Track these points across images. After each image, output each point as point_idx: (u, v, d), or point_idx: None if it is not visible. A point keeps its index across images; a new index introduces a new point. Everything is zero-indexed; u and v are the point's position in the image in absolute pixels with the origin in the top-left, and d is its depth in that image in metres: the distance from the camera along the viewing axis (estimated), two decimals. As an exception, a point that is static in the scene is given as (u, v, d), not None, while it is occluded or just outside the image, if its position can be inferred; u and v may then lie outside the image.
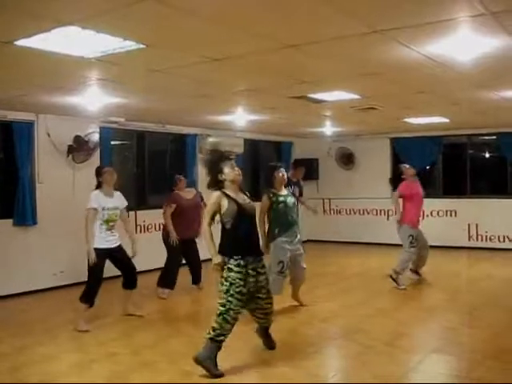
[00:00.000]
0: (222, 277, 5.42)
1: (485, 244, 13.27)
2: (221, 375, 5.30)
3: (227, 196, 5.56)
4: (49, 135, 9.39)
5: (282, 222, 7.39)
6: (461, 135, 13.90)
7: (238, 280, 5.36)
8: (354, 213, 15.16)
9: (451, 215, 13.76)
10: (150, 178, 11.76)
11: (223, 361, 5.41)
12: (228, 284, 5.37)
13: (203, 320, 6.91)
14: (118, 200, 7.40)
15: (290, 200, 7.52)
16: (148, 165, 11.63)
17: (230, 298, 5.34)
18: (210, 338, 5.35)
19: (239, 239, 5.50)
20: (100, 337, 6.75)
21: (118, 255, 7.32)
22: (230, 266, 5.39)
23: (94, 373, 5.53)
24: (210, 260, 5.53)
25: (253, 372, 5.49)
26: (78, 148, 9.69)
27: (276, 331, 6.31)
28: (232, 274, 5.38)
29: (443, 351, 6.07)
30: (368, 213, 14.92)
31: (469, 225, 13.48)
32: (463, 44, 5.22)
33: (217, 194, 5.58)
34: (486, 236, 13.34)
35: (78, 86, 6.97)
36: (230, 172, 5.66)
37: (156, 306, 8.20)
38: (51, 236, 9.41)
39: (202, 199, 8.91)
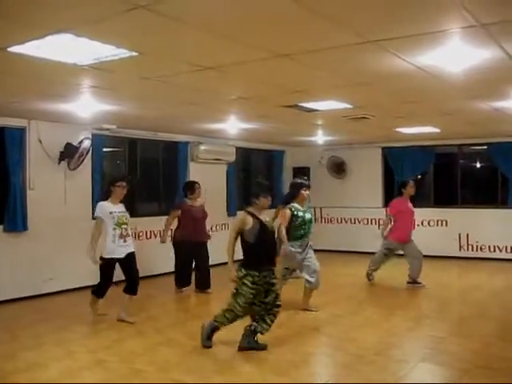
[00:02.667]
0: (237, 285, 6.22)
1: (475, 254, 13.31)
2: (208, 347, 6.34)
3: (253, 216, 6.33)
4: (40, 142, 9.36)
5: (297, 235, 7.96)
6: (452, 145, 13.97)
7: (249, 294, 6.14)
8: (346, 222, 15.18)
9: (442, 225, 13.80)
10: (142, 186, 11.75)
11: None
12: (239, 294, 6.18)
13: (194, 328, 6.91)
14: (123, 207, 7.77)
15: (308, 216, 8.11)
16: (140, 172, 11.62)
17: (236, 306, 6.18)
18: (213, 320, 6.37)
19: (259, 254, 6.23)
20: (89, 344, 6.74)
21: (127, 263, 7.60)
22: (245, 281, 6.15)
23: (83, 380, 5.50)
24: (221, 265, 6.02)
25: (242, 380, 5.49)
26: (70, 155, 9.66)
27: (266, 340, 6.32)
28: (245, 288, 6.14)
29: (433, 360, 6.07)
30: (359, 222, 14.94)
31: (459, 234, 13.51)
32: (454, 55, 5.28)
33: (243, 214, 6.43)
34: (477, 246, 13.38)
35: (71, 92, 6.97)
36: (265, 201, 6.53)
37: (146, 314, 8.16)
38: (41, 242, 9.36)
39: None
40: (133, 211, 11.14)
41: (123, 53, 4.96)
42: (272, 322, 6.38)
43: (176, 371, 5.66)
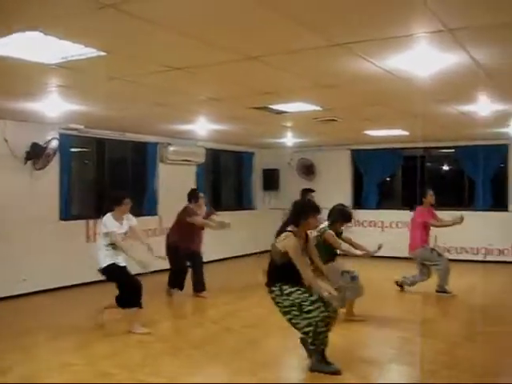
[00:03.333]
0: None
1: (443, 255, 13.43)
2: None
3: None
4: (6, 141, 9.22)
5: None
6: (420, 148, 14.09)
7: (300, 295, 5.57)
8: (315, 223, 15.19)
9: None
10: (110, 186, 11.65)
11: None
12: (297, 307, 5.57)
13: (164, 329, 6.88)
14: (126, 224, 7.38)
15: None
16: (108, 172, 11.52)
17: (308, 315, 5.56)
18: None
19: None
20: (55, 347, 6.67)
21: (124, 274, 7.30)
22: (285, 291, 5.60)
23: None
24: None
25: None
26: (36, 155, 9.54)
27: (236, 340, 6.31)
28: (292, 294, 5.57)
29: (400, 361, 6.14)
30: (328, 223, 14.95)
31: (427, 236, 13.61)
32: (422, 59, 5.33)
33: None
34: (444, 247, 13.49)
35: (38, 92, 6.90)
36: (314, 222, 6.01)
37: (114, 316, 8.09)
38: (9, 244, 9.21)
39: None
40: (100, 212, 11.09)
41: (91, 52, 4.91)
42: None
43: (141, 373, 5.62)
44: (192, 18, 4.10)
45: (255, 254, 14.09)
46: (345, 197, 14.37)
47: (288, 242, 5.58)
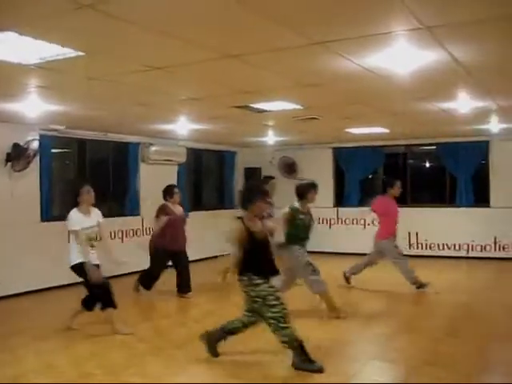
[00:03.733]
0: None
1: (425, 252, 13.55)
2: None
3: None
4: (-14, 143, 9.17)
5: (298, 237, 7.87)
6: (401, 145, 14.19)
7: (267, 288, 5.75)
8: (297, 221, 15.22)
9: (392, 224, 13.95)
10: (92, 187, 11.56)
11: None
12: (263, 299, 5.73)
13: (144, 330, 6.85)
14: (95, 217, 7.29)
15: (309, 220, 8.10)
16: (89, 173, 11.46)
17: (274, 309, 5.72)
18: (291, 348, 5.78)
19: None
20: (39, 349, 6.63)
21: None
22: (255, 282, 5.74)
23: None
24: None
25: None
26: (17, 156, 9.47)
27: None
28: (260, 286, 5.73)
29: (382, 358, 6.17)
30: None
31: (409, 233, 13.70)
32: (401, 57, 5.35)
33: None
34: (426, 244, 13.62)
35: (17, 92, 6.84)
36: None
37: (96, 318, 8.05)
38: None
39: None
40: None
41: (69, 52, 4.87)
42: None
43: (124, 374, 5.60)
44: (171, 17, 4.08)
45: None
46: (327, 195, 14.42)
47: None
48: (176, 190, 9.62)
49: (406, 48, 5.00)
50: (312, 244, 14.21)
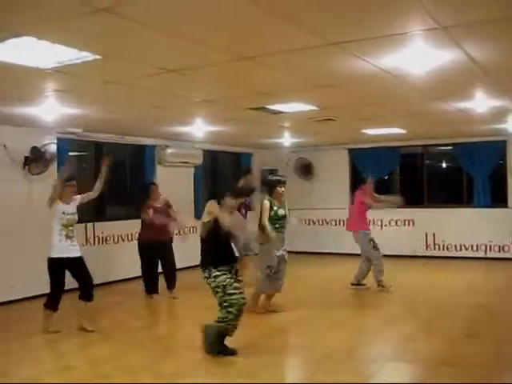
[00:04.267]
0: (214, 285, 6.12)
1: (442, 253, 13.48)
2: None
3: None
4: (5, 146, 9.22)
5: (274, 229, 7.91)
6: (418, 146, 14.12)
7: (227, 279, 6.08)
8: (314, 223, 15.24)
9: (409, 225, 13.94)
10: (109, 190, 11.64)
11: None
12: (222, 288, 6.06)
13: (161, 332, 6.88)
14: (74, 205, 7.56)
15: (282, 211, 8.08)
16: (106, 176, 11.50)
17: (231, 297, 6.05)
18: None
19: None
20: (56, 350, 6.67)
21: (77, 266, 7.37)
22: (216, 273, 6.09)
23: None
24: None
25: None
26: (35, 159, 9.55)
27: (235, 342, 6.31)
28: (220, 277, 6.07)
29: (400, 359, 6.14)
30: (327, 223, 15.02)
31: (426, 234, 13.66)
32: (417, 57, 5.33)
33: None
34: (443, 245, 13.54)
35: (35, 96, 6.89)
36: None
37: (111, 320, 8.09)
38: (5, 250, 9.22)
39: (170, 206, 9.53)
40: (100, 215, 11.09)
41: (86, 56, 4.91)
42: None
43: (143, 376, 5.63)
44: (186, 20, 4.10)
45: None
46: (343, 196, 14.40)
47: (208, 208, 6.20)
48: (153, 186, 9.80)
49: (423, 48, 4.97)
50: (330, 245, 14.40)
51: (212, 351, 6.11)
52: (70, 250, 7.32)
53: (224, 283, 6.03)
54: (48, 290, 7.50)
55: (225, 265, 6.14)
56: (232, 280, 6.09)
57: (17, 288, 9.38)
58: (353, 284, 9.99)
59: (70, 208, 7.44)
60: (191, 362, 6.09)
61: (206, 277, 6.15)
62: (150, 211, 9.32)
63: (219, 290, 6.05)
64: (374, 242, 9.81)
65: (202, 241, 6.28)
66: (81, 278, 7.44)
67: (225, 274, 6.07)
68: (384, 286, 9.64)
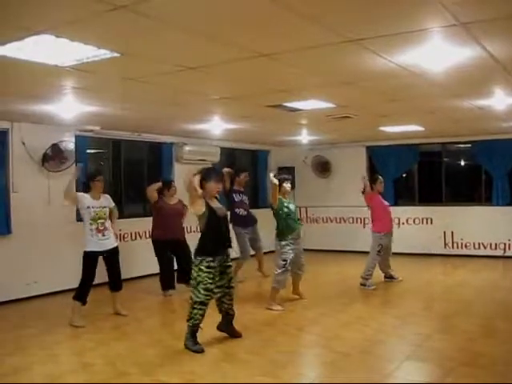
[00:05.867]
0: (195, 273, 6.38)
1: (460, 251, 13.38)
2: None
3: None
4: (24, 144, 9.30)
5: (288, 224, 8.33)
6: (436, 143, 14.02)
7: (207, 279, 6.32)
8: (331, 221, 15.21)
9: (427, 223, 13.86)
10: (126, 187, 11.70)
11: None
12: (198, 282, 6.32)
13: (179, 328, 6.89)
14: (105, 201, 7.92)
15: (292, 206, 8.57)
16: (124, 173, 11.58)
17: (198, 294, 6.32)
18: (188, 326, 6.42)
19: (212, 240, 6.44)
20: (74, 347, 6.71)
21: (110, 258, 7.83)
22: (201, 267, 6.32)
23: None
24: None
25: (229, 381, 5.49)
26: (54, 156, 9.61)
27: (252, 340, 6.33)
28: (201, 274, 6.31)
29: (418, 358, 6.10)
30: (345, 221, 14.99)
31: (444, 232, 13.59)
32: (436, 54, 5.30)
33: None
34: (462, 243, 13.45)
35: (53, 94, 6.94)
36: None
37: (131, 316, 8.11)
38: (26, 245, 9.30)
39: (185, 206, 9.44)
40: (118, 212, 11.13)
41: (105, 54, 4.94)
42: (230, 302, 6.73)
43: (161, 373, 5.64)
44: (204, 17, 4.10)
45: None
46: (360, 194, 14.33)
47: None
48: (173, 183, 9.90)
49: (441, 45, 4.95)
50: (346, 243, 14.36)
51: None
52: (101, 243, 7.68)
53: (200, 279, 6.30)
54: (74, 285, 7.85)
55: (218, 255, 6.42)
56: (210, 281, 6.33)
57: (41, 283, 9.48)
58: (386, 277, 10.20)
59: (98, 203, 7.72)
60: (210, 360, 6.12)
61: (194, 263, 6.41)
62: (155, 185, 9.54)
63: (194, 282, 6.35)
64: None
65: (201, 233, 6.53)
66: (112, 269, 7.88)
67: (209, 273, 6.31)
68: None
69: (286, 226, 8.32)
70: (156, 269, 9.68)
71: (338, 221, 15.10)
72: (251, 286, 10.19)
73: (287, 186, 8.49)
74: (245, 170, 11.01)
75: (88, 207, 7.60)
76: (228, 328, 6.82)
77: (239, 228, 10.22)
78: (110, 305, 8.18)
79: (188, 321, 6.38)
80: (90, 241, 7.60)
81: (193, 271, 6.40)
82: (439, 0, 3.75)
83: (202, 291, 6.29)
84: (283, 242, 8.26)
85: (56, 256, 9.61)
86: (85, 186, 7.99)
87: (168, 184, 9.76)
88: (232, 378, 5.51)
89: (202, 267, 6.30)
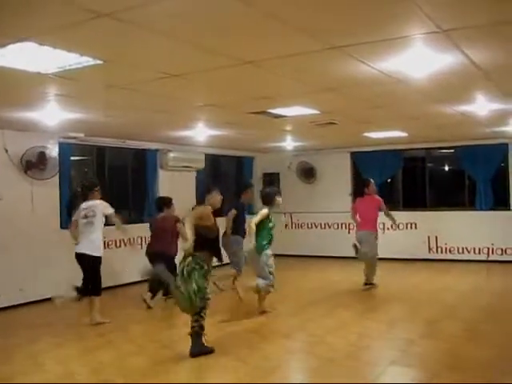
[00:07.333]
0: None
1: (444, 256, 13.45)
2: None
3: None
4: (6, 151, 9.24)
5: (269, 237, 8.36)
6: (420, 149, 14.10)
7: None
8: (316, 226, 15.23)
9: (411, 228, 13.91)
10: (111, 194, 11.65)
11: None
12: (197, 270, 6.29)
13: (164, 336, 6.88)
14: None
15: (274, 221, 8.55)
16: (108, 180, 11.53)
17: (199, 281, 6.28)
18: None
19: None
20: (59, 355, 6.67)
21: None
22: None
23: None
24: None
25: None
26: (37, 164, 9.55)
27: (236, 347, 6.31)
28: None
29: (402, 363, 6.11)
30: (329, 226, 15.01)
31: (428, 237, 13.65)
32: (418, 60, 5.35)
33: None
34: (446, 248, 13.52)
35: (36, 101, 6.91)
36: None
37: (115, 323, 8.07)
38: (9, 253, 9.21)
39: (178, 221, 9.30)
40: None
41: (87, 61, 4.93)
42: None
43: (146, 381, 5.62)
44: (187, 25, 4.11)
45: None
46: (345, 199, 14.38)
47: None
48: (171, 201, 9.84)
49: (424, 52, 5.00)
50: (331, 249, 14.38)
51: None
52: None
53: (189, 269, 6.23)
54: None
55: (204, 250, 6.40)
56: (186, 277, 6.23)
57: (26, 291, 9.41)
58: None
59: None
60: (196, 368, 6.10)
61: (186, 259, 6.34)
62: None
63: (179, 274, 6.31)
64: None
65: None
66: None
67: (194, 269, 6.24)
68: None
69: (271, 238, 8.38)
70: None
71: (323, 226, 15.12)
72: (234, 296, 10.17)
73: (279, 199, 8.52)
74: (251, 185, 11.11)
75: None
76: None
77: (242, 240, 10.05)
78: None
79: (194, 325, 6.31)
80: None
81: (180, 264, 6.39)
82: (421, 7, 3.78)
83: (178, 283, 6.32)
84: (270, 252, 8.31)
85: (41, 263, 9.54)
86: (84, 196, 8.28)
87: (169, 201, 9.82)
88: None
89: (190, 261, 6.29)
